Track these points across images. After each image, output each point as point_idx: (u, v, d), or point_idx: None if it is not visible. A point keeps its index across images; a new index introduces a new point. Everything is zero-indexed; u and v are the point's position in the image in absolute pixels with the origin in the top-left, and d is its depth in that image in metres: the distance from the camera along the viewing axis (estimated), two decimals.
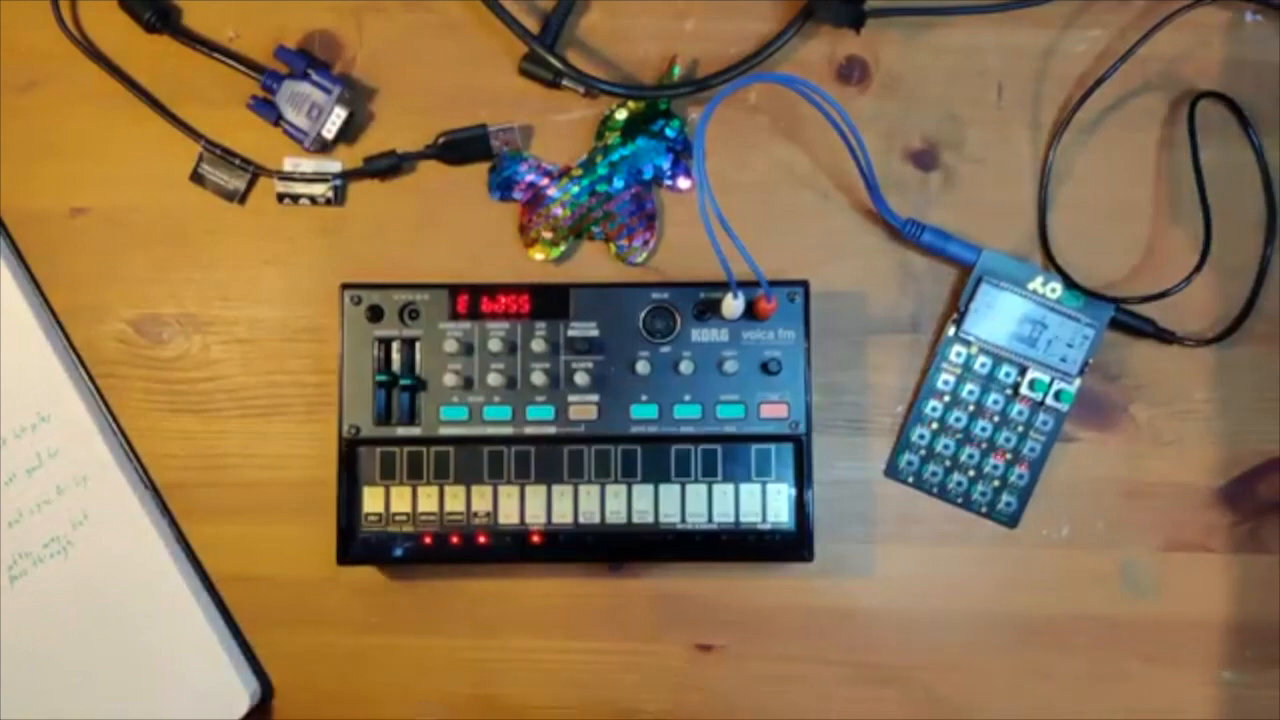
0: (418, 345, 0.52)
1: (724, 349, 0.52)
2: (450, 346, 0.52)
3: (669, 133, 0.55)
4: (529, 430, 0.52)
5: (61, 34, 0.55)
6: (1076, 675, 0.54)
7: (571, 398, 0.52)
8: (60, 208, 0.55)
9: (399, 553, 0.52)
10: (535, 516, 0.52)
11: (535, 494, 0.52)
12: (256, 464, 0.54)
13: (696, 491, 0.52)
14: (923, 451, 0.54)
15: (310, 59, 0.54)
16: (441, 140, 0.54)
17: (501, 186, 0.55)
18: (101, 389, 0.54)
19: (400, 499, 0.52)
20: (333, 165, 0.55)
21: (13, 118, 0.55)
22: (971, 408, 0.54)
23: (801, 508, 0.52)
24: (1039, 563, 0.54)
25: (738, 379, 0.52)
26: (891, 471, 0.55)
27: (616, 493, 0.52)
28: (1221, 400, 0.54)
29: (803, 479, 0.52)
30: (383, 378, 0.52)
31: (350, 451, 0.52)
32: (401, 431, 0.52)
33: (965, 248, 0.54)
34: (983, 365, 0.54)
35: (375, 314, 0.52)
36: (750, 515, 0.52)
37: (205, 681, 0.53)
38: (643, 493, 0.52)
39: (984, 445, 0.54)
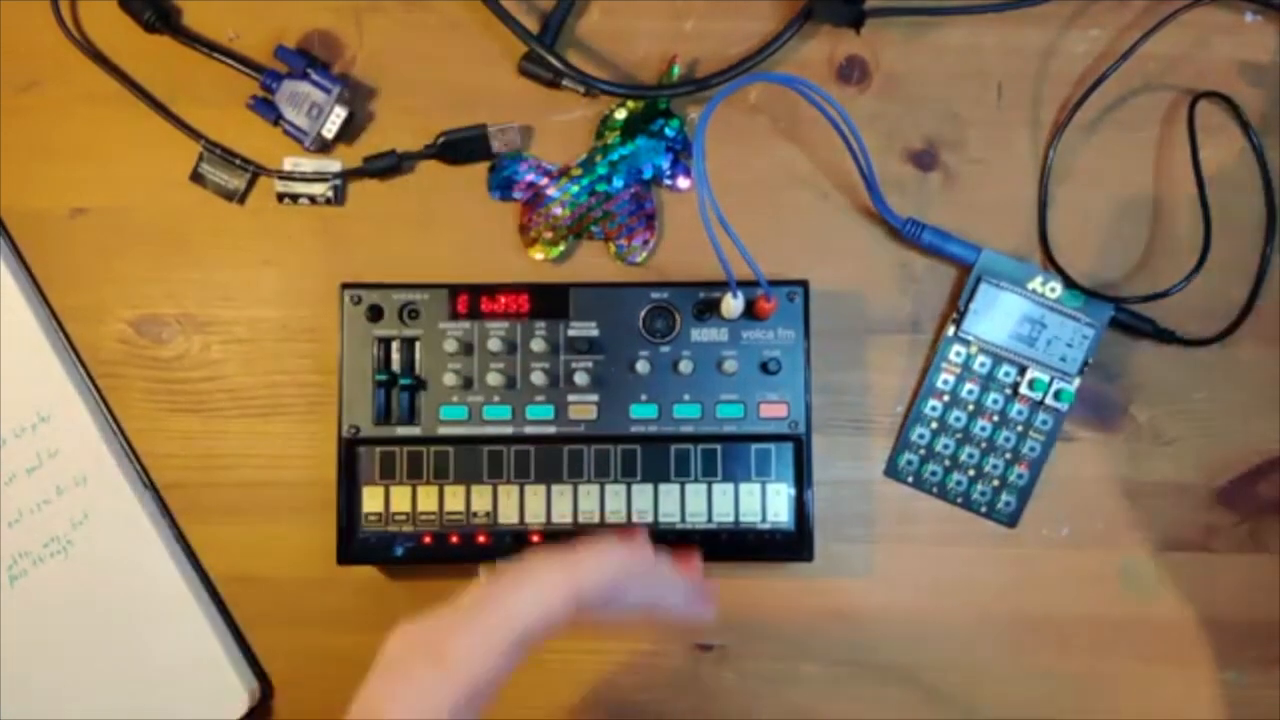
0: (417, 345, 0.52)
1: (724, 349, 0.52)
2: (450, 346, 0.52)
3: (669, 132, 0.55)
4: (529, 430, 0.52)
5: (61, 34, 0.55)
6: (1076, 675, 0.54)
7: (571, 397, 0.52)
8: (60, 208, 0.55)
9: (399, 553, 0.52)
10: (535, 516, 0.52)
11: (535, 494, 0.52)
12: (256, 464, 0.54)
13: (696, 491, 0.52)
14: (922, 451, 0.54)
15: (310, 59, 0.54)
16: (441, 140, 0.54)
17: (501, 186, 0.55)
18: (101, 389, 0.54)
19: (400, 499, 0.52)
20: (333, 165, 0.55)
21: (13, 118, 0.55)
22: (971, 407, 0.54)
23: (801, 508, 0.52)
24: (1039, 563, 0.54)
25: (737, 379, 0.52)
26: (891, 471, 0.55)
27: (616, 492, 0.52)
28: (1221, 400, 0.54)
29: (802, 479, 0.52)
30: (382, 377, 0.52)
31: (350, 451, 0.52)
32: (401, 431, 0.52)
33: (965, 248, 0.54)
34: (982, 365, 0.54)
35: (375, 314, 0.52)
36: (750, 515, 0.52)
37: (205, 681, 0.53)
38: (642, 492, 0.52)
39: (984, 445, 0.54)
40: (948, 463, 0.54)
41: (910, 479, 0.55)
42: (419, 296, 0.52)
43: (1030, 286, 0.54)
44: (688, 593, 0.43)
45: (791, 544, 0.52)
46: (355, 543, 0.52)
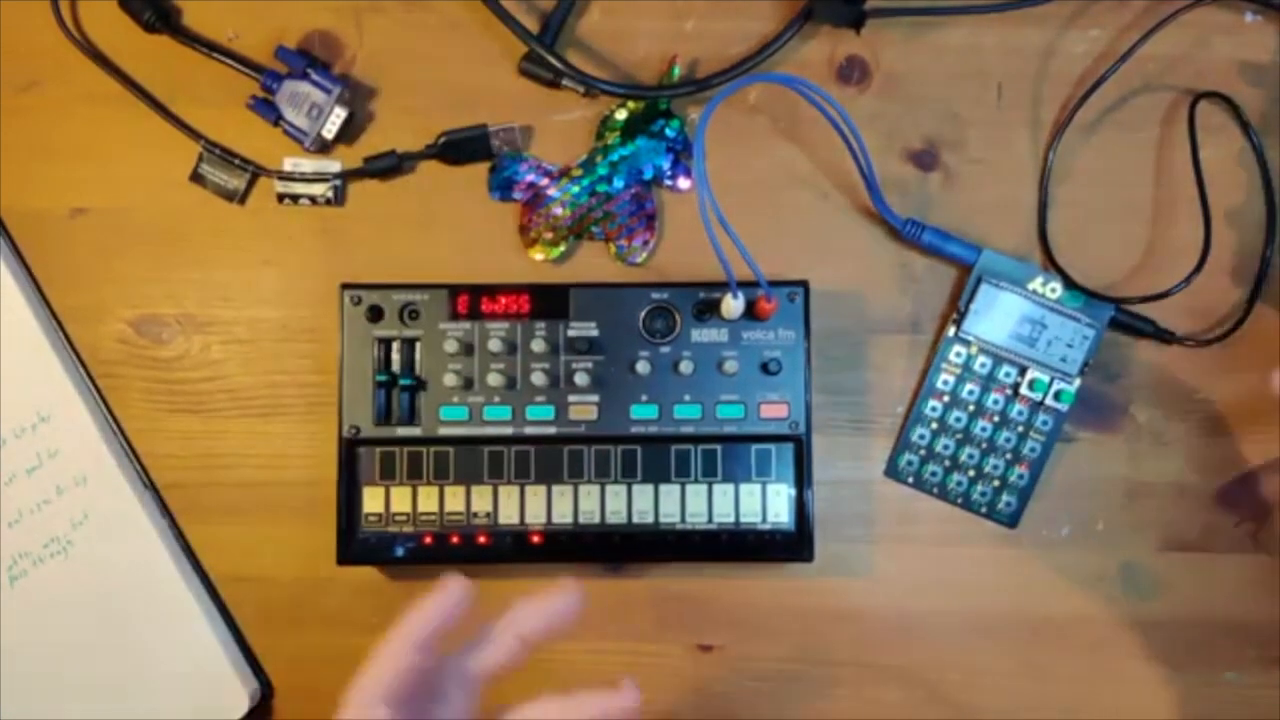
0: (418, 345, 0.52)
1: (724, 349, 0.52)
2: (450, 346, 0.52)
3: (669, 133, 0.55)
4: (529, 430, 0.52)
5: (61, 34, 0.55)
6: (1076, 675, 0.54)
7: (571, 398, 0.52)
8: (60, 208, 0.55)
9: (399, 553, 0.52)
10: (535, 517, 0.52)
11: (535, 494, 0.52)
12: (256, 464, 0.54)
13: (696, 491, 0.52)
14: (923, 451, 0.54)
15: (310, 59, 0.54)
16: (441, 140, 0.54)
17: (501, 186, 0.55)
18: (101, 389, 0.54)
19: (400, 499, 0.52)
20: (333, 165, 0.55)
21: (13, 118, 0.55)
22: (971, 408, 0.54)
23: (801, 508, 0.52)
24: (1039, 563, 0.54)
25: (738, 379, 0.52)
26: (891, 471, 0.55)
27: (616, 493, 0.52)
28: (1221, 400, 0.54)
29: (802, 479, 0.52)
30: (383, 378, 0.52)
31: (350, 451, 0.52)
32: (401, 431, 0.52)
33: (965, 248, 0.54)
34: (983, 365, 0.54)
35: (375, 314, 0.52)
36: (750, 515, 0.52)
37: (205, 682, 0.53)
38: (643, 493, 0.52)
39: (984, 445, 0.54)
40: (948, 463, 0.54)
41: (910, 479, 0.55)
42: (419, 297, 0.52)
43: (1030, 287, 0.54)
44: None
45: (791, 544, 0.52)
46: (355, 543, 0.52)
